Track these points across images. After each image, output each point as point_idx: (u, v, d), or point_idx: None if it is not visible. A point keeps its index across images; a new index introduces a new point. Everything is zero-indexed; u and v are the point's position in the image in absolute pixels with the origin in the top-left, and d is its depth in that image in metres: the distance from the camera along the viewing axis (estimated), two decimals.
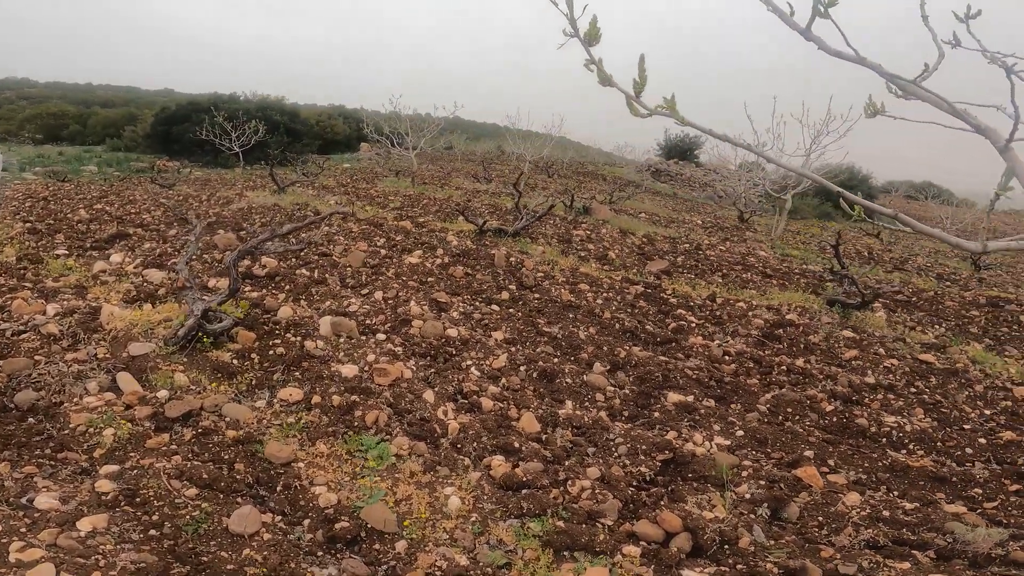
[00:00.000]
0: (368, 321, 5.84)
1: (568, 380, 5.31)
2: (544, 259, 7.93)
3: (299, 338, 5.20)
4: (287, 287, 6.57)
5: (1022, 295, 10.99)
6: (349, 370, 4.82)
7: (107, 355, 4.63)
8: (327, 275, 6.86)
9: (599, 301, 6.76)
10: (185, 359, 4.67)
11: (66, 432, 3.71)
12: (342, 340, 5.35)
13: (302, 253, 6.82)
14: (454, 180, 18.73)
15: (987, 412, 5.87)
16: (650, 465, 4.30)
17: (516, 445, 4.30)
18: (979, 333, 8.96)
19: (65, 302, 5.55)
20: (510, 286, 7.00)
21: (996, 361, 7.40)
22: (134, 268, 6.96)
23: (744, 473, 4.35)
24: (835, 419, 5.40)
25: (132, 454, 3.61)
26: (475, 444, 4.29)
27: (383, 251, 7.89)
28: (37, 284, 6.11)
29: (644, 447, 4.44)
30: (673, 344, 6.33)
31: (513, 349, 5.62)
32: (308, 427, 4.14)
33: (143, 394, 4.16)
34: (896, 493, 4.45)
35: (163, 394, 4.18)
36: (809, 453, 4.74)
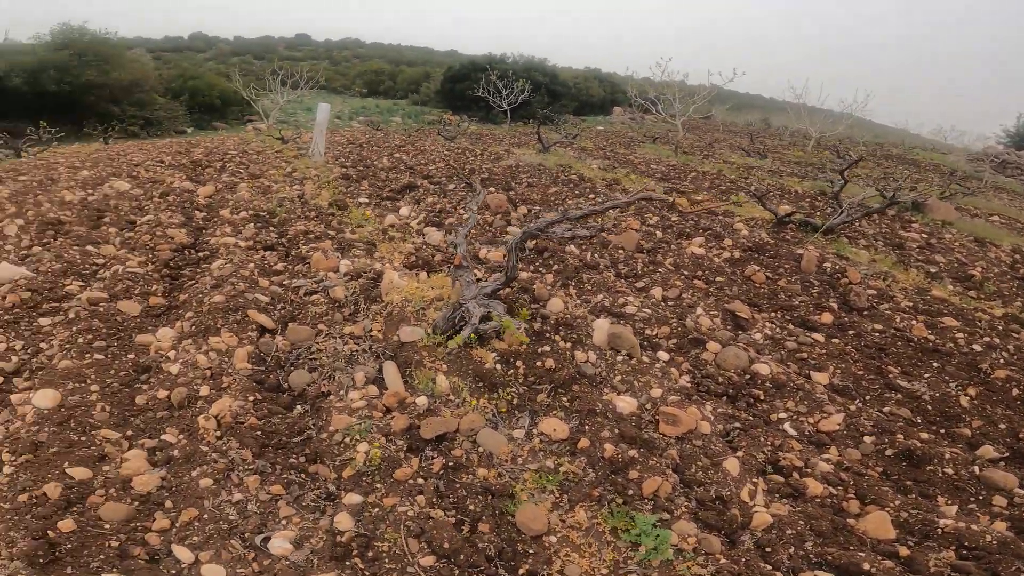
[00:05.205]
0: (648, 331, 4.32)
1: (948, 470, 3.20)
2: (874, 270, 5.50)
3: (569, 345, 3.88)
4: (555, 266, 5.35)
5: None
6: (626, 404, 3.35)
7: (380, 334, 3.88)
8: (599, 258, 5.47)
9: (976, 347, 4.28)
10: (449, 356, 3.69)
11: (323, 437, 2.94)
12: (620, 357, 3.91)
13: (597, 243, 5.50)
14: (719, 151, 15.90)
15: None
16: None
17: (866, 567, 2.50)
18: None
19: (356, 259, 5.05)
20: (830, 303, 4.85)
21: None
22: (417, 224, 6.41)
23: None
24: None
25: (378, 485, 2.71)
26: (792, 551, 2.61)
27: (658, 233, 6.23)
28: (338, 234, 5.81)
29: None
30: None
31: (852, 406, 3.63)
32: (568, 481, 2.87)
33: (403, 397, 3.26)
34: None
35: (422, 401, 3.23)
36: None
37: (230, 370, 3.27)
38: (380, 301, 4.27)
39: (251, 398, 3.09)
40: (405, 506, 2.65)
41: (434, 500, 2.72)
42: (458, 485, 2.83)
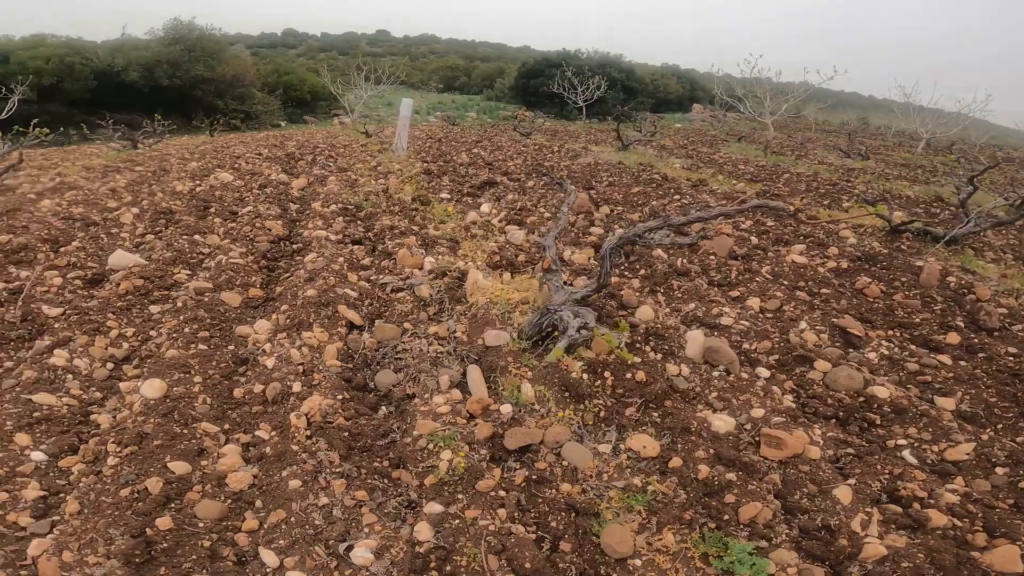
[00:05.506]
0: (746, 345, 3.93)
1: None
2: (1005, 287, 4.78)
3: (660, 357, 3.60)
4: (642, 271, 5.02)
5: None
6: (723, 423, 3.08)
7: (464, 336, 3.73)
8: (689, 264, 5.08)
9: None
10: (535, 362, 3.48)
11: (407, 442, 2.83)
12: (716, 373, 3.58)
13: (688, 249, 5.13)
14: (812, 152, 14.69)
15: None
16: None
17: None
18: None
19: (439, 256, 4.94)
20: (956, 322, 4.24)
21: None
22: (498, 222, 6.24)
23: None
24: None
25: (460, 496, 2.55)
26: None
27: (753, 238, 5.73)
28: (421, 230, 5.74)
29: None
30: None
31: (983, 435, 3.14)
32: (656, 502, 2.64)
33: (487, 403, 3.10)
34: None
35: (506, 410, 3.05)
36: None
37: (321, 367, 3.23)
38: (465, 301, 4.13)
39: (339, 397, 3.02)
40: (486, 520, 2.48)
41: (515, 515, 2.55)
42: (540, 500, 2.65)
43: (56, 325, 3.53)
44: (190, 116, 21.00)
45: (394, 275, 4.52)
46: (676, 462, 2.81)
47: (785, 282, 4.89)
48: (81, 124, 15.81)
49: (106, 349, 3.31)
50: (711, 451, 2.86)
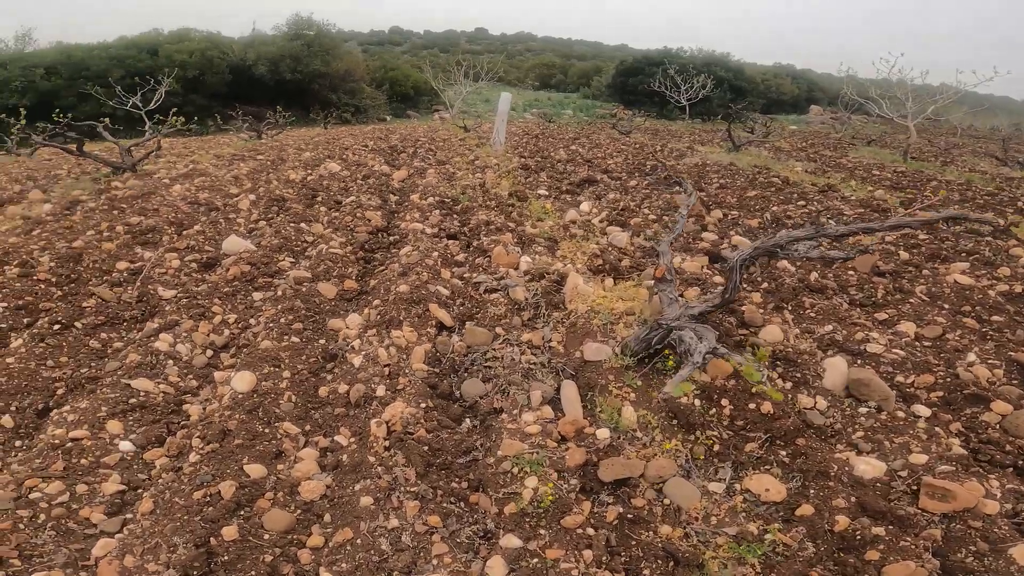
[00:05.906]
0: (900, 377, 3.22)
1: None
2: None
3: (789, 386, 3.03)
4: (764, 284, 4.35)
5: None
6: (869, 468, 2.52)
7: (560, 347, 3.34)
8: (823, 279, 4.33)
9: None
10: (639, 382, 3.02)
11: (490, 462, 2.50)
12: (863, 409, 2.93)
13: (834, 266, 4.41)
14: (960, 158, 12.70)
15: None
16: None
17: None
18: None
19: (537, 256, 4.59)
20: None
21: None
22: (599, 222, 5.78)
23: None
24: None
25: (542, 531, 2.19)
26: None
27: (901, 252, 4.83)
28: (518, 227, 5.42)
29: None
30: None
31: None
32: (775, 554, 2.19)
33: (582, 426, 2.70)
34: None
35: (603, 435, 2.64)
36: None
37: (407, 370, 2.98)
38: (563, 308, 3.74)
39: (423, 405, 2.76)
40: (569, 562, 2.11)
41: (603, 558, 2.15)
42: (634, 542, 2.25)
43: (167, 308, 3.59)
44: (308, 109, 22.30)
45: (488, 274, 4.22)
46: (806, 509, 2.34)
47: (946, 305, 4.02)
48: (216, 115, 17.24)
49: (208, 336, 3.29)
50: (852, 499, 2.37)
